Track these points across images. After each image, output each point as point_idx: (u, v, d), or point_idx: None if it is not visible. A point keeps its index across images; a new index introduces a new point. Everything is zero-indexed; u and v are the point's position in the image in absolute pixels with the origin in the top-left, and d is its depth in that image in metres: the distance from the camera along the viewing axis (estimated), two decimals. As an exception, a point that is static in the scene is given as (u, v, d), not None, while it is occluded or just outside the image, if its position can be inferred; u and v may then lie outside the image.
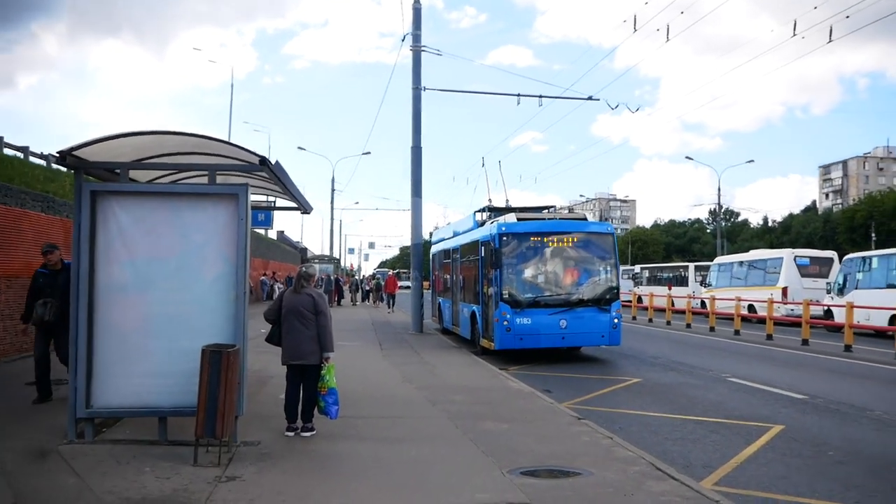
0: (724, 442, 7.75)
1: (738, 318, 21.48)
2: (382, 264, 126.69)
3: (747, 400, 10.32)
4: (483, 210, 18.82)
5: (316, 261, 39.97)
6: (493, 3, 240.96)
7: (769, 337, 19.44)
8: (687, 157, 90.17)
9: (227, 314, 6.69)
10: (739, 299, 22.25)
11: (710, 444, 7.69)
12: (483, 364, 13.68)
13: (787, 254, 27.84)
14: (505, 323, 14.38)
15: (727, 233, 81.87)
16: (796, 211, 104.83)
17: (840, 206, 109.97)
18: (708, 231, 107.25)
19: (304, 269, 7.32)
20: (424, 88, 21.48)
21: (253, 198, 12.49)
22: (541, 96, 22.23)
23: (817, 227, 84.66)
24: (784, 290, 26.67)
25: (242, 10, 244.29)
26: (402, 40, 21.96)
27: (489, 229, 15.46)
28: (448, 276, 21.00)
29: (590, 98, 22.50)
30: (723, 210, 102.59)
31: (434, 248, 24.45)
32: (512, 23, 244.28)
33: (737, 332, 20.97)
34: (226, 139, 6.82)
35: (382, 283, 39.97)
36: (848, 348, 16.36)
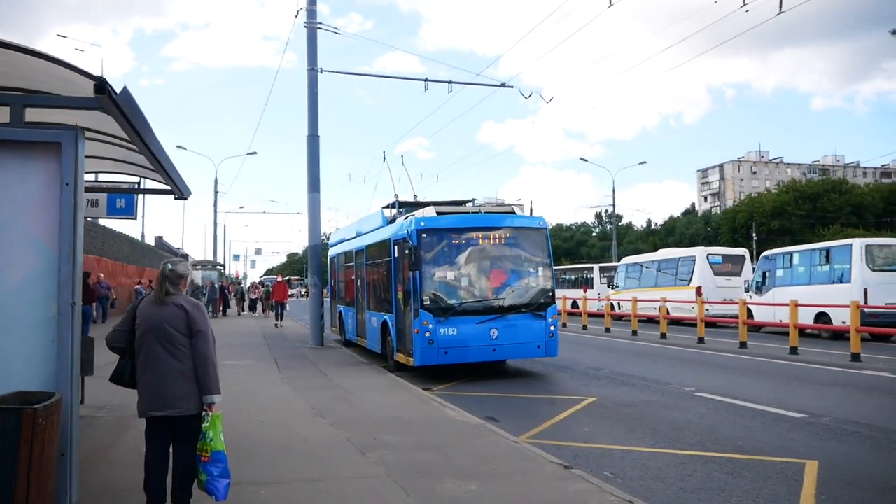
0: (762, 492, 5.77)
1: (664, 321, 20.07)
2: (269, 272, 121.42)
3: (740, 423, 8.46)
4: (392, 206, 16.50)
5: (199, 266, 36.30)
6: (379, 10, 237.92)
7: (701, 340, 18.08)
8: (581, 159, 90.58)
9: (42, 340, 4.10)
10: (665, 301, 20.86)
11: (744, 495, 5.69)
12: (404, 385, 11.38)
13: (699, 252, 26.96)
14: (427, 334, 12.14)
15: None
16: (676, 213, 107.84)
17: (718, 207, 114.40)
18: (594, 234, 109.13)
19: (169, 266, 4.63)
20: (321, 70, 18.97)
21: (112, 177, 9.73)
22: (450, 82, 20.17)
23: (699, 229, 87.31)
24: (698, 290, 25.71)
25: (118, 7, 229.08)
26: (296, 15, 19.37)
27: (405, 225, 13.17)
28: (351, 282, 18.53)
29: (503, 85, 20.61)
30: (609, 213, 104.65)
31: (333, 251, 21.89)
32: (398, 29, 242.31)
33: (663, 336, 19.57)
34: (51, 54, 4.22)
35: (271, 291, 36.87)
36: (794, 350, 15.07)
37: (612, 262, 46.11)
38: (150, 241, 57.77)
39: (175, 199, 8.25)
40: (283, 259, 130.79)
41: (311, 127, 18.70)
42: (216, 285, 34.42)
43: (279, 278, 32.77)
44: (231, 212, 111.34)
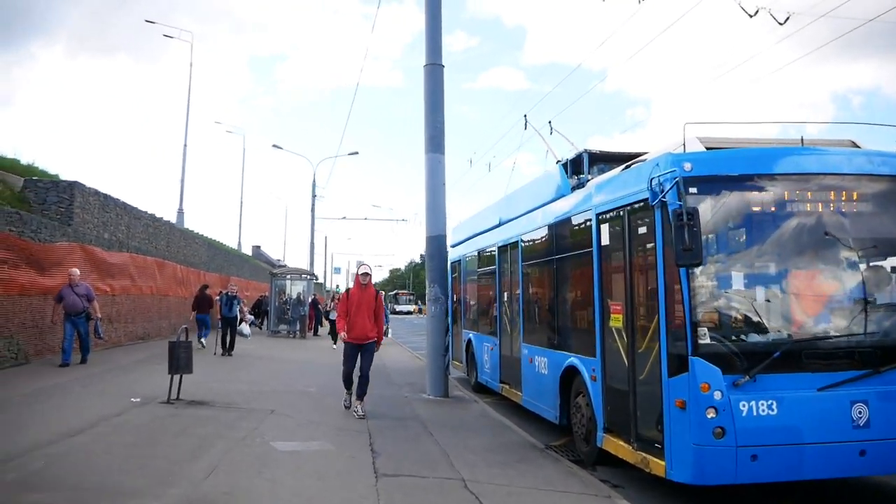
0: None
1: None
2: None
3: None
4: (573, 163, 8.69)
5: (285, 276, 30.21)
6: (484, 26, 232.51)
7: None
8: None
9: None
10: None
11: None
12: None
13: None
14: (711, 414, 5.17)
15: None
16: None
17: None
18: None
19: None
20: (447, -31, 12.29)
21: None
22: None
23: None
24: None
25: (232, 28, 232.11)
26: None
27: (644, 172, 6.06)
28: (492, 296, 11.71)
29: (724, -6, 13.31)
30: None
31: (456, 253, 14.91)
32: (503, 45, 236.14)
33: None
34: None
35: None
36: None
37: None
38: (248, 250, 53.40)
39: None
40: (386, 274, 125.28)
41: (431, 53, 11.95)
42: (302, 299, 27.96)
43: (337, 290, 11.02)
44: (329, 218, 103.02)
